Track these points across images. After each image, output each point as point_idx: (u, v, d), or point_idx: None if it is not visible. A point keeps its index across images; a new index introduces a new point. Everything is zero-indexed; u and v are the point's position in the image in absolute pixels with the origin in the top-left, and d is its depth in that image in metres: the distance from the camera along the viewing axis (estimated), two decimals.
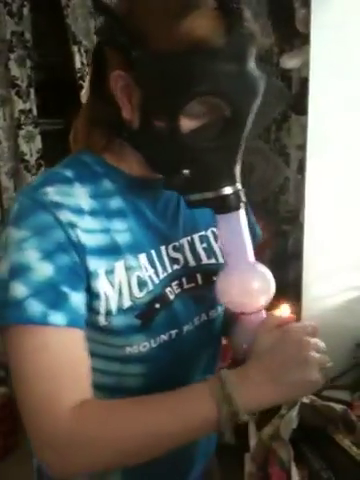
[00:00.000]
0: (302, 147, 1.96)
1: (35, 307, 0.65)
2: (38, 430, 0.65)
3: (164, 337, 0.77)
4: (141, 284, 0.74)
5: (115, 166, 0.77)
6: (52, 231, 0.68)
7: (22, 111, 2.51)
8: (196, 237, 0.84)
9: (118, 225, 0.74)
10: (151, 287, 0.75)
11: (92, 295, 0.71)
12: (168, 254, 0.79)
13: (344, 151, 1.83)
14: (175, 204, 0.83)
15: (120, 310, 0.72)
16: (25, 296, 0.65)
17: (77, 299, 0.68)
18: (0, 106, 2.52)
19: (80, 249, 0.69)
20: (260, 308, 0.75)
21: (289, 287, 2.26)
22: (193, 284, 0.81)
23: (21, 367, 0.66)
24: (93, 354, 0.73)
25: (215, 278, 0.78)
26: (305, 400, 1.71)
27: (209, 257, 0.85)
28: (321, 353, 0.69)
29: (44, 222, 0.68)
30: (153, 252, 0.77)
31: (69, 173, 0.74)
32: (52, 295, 0.66)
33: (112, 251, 0.73)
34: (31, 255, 0.66)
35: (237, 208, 0.70)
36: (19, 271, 0.66)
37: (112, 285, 0.72)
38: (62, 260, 0.67)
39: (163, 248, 0.79)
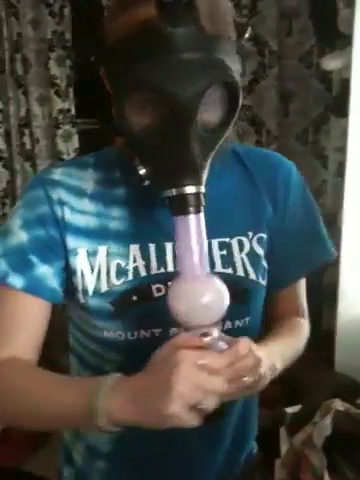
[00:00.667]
0: (342, 149, 1.92)
1: (1, 266, 0.75)
2: None
3: (145, 333, 0.76)
4: (120, 272, 0.75)
5: (130, 160, 0.77)
6: (38, 205, 0.76)
7: (60, 110, 2.56)
8: (215, 242, 0.80)
9: (115, 212, 0.78)
10: (130, 278, 0.75)
11: (70, 271, 0.77)
12: (174, 252, 0.76)
13: None
14: None
15: (97, 293, 0.76)
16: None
17: (44, 270, 0.75)
18: (39, 105, 2.57)
19: (62, 226, 0.76)
20: (208, 325, 0.65)
21: (325, 292, 2.22)
22: None
23: None
24: (80, 330, 0.83)
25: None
26: (340, 408, 1.68)
27: (225, 266, 0.79)
28: (202, 390, 0.58)
29: (35, 196, 0.77)
30: (152, 246, 0.77)
31: (91, 160, 0.82)
32: (18, 260, 0.75)
33: (99, 235, 0.77)
34: (15, 222, 0.76)
35: (197, 211, 0.64)
36: (3, 233, 0.77)
37: (91, 266, 0.76)
38: (38, 232, 0.75)
39: (169, 245, 0.77)
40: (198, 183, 0.64)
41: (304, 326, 0.91)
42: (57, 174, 0.78)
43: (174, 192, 0.64)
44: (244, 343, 0.63)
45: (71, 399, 0.67)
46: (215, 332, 0.66)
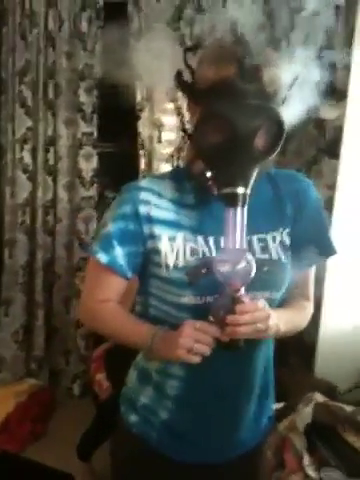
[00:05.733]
0: (332, 187, 2.22)
1: (95, 246, 1.07)
2: (81, 304, 1.17)
3: (210, 299, 1.01)
4: (193, 252, 1.02)
5: (195, 172, 1.05)
6: (126, 205, 1.05)
7: (84, 133, 2.83)
8: (254, 237, 1.05)
9: (187, 213, 1.05)
10: (201, 256, 1.02)
11: (155, 252, 1.04)
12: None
13: None
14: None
15: (176, 267, 1.02)
16: (96, 239, 1.08)
17: (120, 251, 1.05)
18: (66, 127, 2.84)
19: (145, 220, 1.04)
20: (242, 284, 0.92)
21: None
22: None
23: (86, 275, 1.16)
24: (162, 301, 1.08)
25: (265, 268, 1.01)
26: (319, 400, 1.94)
27: (263, 253, 1.05)
28: (191, 340, 0.93)
29: (125, 198, 1.06)
30: (211, 238, 1.04)
31: (167, 173, 1.12)
32: (105, 242, 1.05)
33: (177, 226, 1.04)
34: (109, 216, 1.07)
35: (242, 205, 0.91)
36: (101, 225, 1.09)
37: (172, 248, 1.03)
38: (121, 224, 1.05)
39: (222, 238, 1.00)
40: (246, 186, 0.92)
41: (308, 308, 1.19)
42: (144, 183, 1.08)
43: (229, 190, 0.92)
44: (262, 301, 0.96)
45: (138, 338, 1.06)
46: (243, 290, 0.94)
